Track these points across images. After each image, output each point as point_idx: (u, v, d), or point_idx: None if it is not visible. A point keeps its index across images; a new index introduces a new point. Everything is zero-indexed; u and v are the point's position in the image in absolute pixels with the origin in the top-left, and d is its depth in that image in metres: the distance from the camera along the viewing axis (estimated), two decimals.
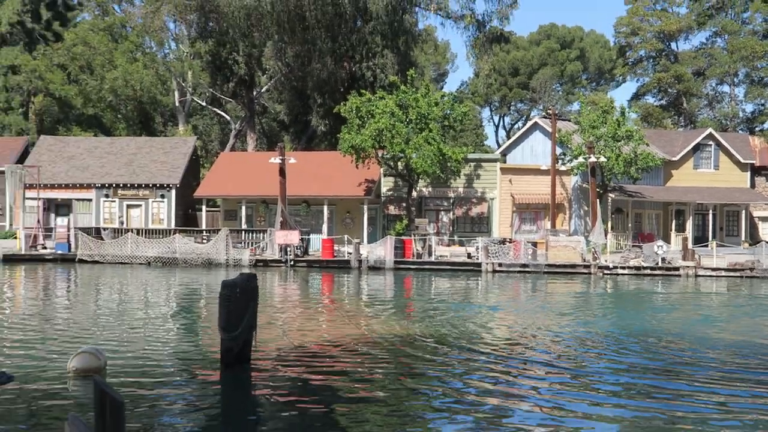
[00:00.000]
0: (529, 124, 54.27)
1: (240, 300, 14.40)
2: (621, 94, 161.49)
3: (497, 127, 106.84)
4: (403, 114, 43.74)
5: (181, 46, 73.07)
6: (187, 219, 52.57)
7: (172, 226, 49.63)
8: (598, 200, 43.37)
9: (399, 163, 45.02)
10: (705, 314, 24.78)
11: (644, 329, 20.34)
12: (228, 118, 77.46)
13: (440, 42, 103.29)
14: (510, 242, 40.59)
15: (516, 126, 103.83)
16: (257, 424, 11.20)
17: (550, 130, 49.84)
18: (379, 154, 45.07)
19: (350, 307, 25.72)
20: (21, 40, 78.99)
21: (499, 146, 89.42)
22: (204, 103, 77.96)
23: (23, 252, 44.55)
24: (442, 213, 48.61)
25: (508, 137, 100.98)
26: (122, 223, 50.68)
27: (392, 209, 48.36)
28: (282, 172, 43.28)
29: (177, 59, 72.89)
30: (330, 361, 15.41)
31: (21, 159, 53.59)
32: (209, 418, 11.29)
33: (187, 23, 62.01)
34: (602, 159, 42.98)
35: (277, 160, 43.34)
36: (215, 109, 77.50)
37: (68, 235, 44.87)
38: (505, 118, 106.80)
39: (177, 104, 74.89)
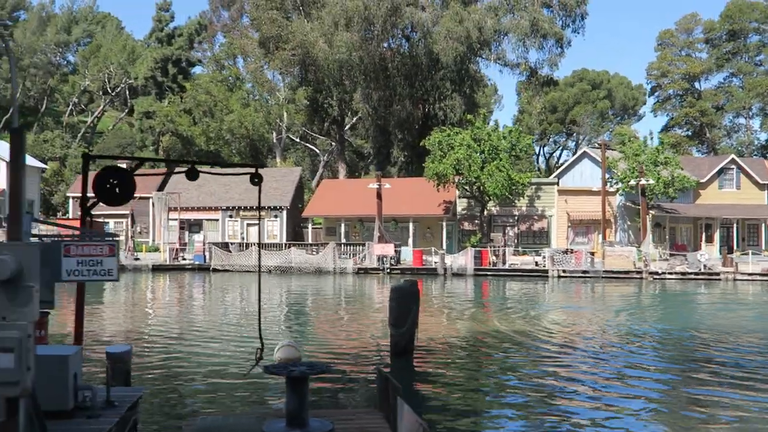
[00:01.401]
0: (579, 153, 53.94)
1: (405, 302, 14.64)
2: (642, 127, 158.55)
3: (537, 155, 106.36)
4: (478, 146, 43.84)
5: (277, 93, 74.24)
6: (295, 235, 53.21)
7: (284, 240, 50.24)
8: (647, 216, 42.87)
9: (474, 187, 45.01)
10: (757, 312, 24.36)
11: (709, 325, 20.07)
12: (317, 151, 78.36)
13: (488, 85, 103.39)
14: (571, 252, 40.29)
15: (554, 154, 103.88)
16: (420, 399, 11.50)
17: (597, 158, 49.57)
18: (456, 180, 45.15)
19: (462, 307, 25.82)
20: (153, 91, 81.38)
21: (540, 171, 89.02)
22: (297, 139, 79.01)
23: (168, 263, 45.60)
24: (508, 228, 48.46)
25: (547, 164, 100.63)
26: (243, 238, 51.51)
27: (466, 225, 48.40)
28: (379, 195, 43.64)
29: (275, 104, 74.09)
30: (471, 350, 15.64)
31: (161, 187, 54.82)
32: None
33: (291, 75, 62.74)
34: (651, 182, 42.46)
35: (375, 186, 43.74)
36: (306, 144, 78.48)
37: (204, 248, 45.83)
38: (545, 148, 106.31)
39: (275, 141, 76.01)
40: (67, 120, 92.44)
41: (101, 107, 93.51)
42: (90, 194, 8.52)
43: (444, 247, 46.98)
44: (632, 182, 43.29)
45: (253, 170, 8.41)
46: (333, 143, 73.31)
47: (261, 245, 45.84)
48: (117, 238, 7.22)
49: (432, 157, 44.87)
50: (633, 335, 18.05)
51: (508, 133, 45.07)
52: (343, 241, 48.55)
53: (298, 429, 6.66)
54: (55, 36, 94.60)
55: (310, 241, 50.03)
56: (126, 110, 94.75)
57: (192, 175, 8.39)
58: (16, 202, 5.44)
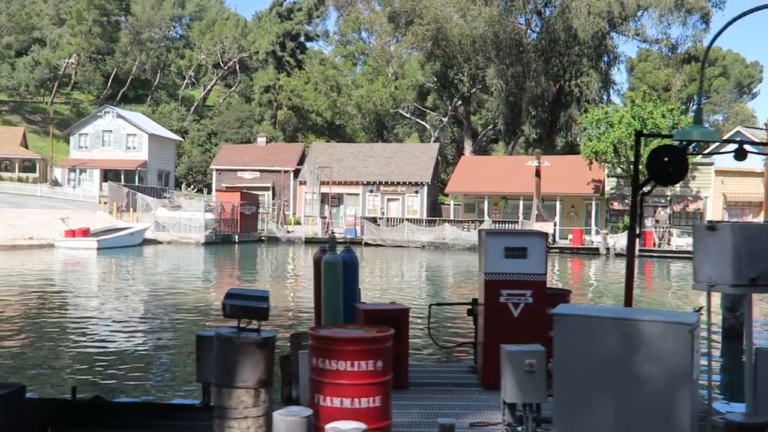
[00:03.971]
0: (732, 132, 52.18)
1: None
2: (757, 105, 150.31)
3: None
4: (638, 124, 42.83)
5: (388, 68, 73.90)
6: (434, 211, 53.29)
7: (424, 216, 50.38)
8: None
9: (631, 166, 44.03)
10: None
11: None
12: (427, 126, 78.00)
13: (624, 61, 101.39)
14: None
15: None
16: None
17: (751, 137, 48.00)
18: (613, 159, 44.30)
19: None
20: (271, 65, 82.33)
21: None
22: (408, 115, 78.81)
23: (320, 236, 46.26)
24: (660, 209, 47.44)
25: None
26: (383, 213, 51.80)
27: (616, 205, 47.59)
28: (538, 173, 43.23)
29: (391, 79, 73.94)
30: None
31: (300, 161, 55.63)
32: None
33: (423, 50, 62.13)
34: None
35: (534, 164, 43.35)
36: (416, 119, 78.09)
37: (355, 222, 46.37)
38: None
39: None
40: (183, 93, 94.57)
41: (214, 81, 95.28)
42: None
43: (593, 226, 46.39)
44: None
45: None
46: (443, 119, 72.97)
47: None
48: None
49: (588, 135, 44.18)
50: None
51: (668, 111, 43.93)
52: (486, 218, 48.35)
53: None
54: (171, 10, 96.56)
55: (452, 218, 50.06)
56: (236, 84, 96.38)
57: (740, 156, 8.30)
58: None
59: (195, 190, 72.71)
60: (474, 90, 64.63)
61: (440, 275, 29.83)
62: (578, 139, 66.11)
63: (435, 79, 64.45)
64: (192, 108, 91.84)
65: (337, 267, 8.24)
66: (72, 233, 36.33)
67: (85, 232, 36.44)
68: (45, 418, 6.07)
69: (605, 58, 58.74)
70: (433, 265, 34.11)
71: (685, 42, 58.14)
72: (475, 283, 27.02)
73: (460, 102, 65.47)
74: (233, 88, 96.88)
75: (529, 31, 60.35)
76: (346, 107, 67.29)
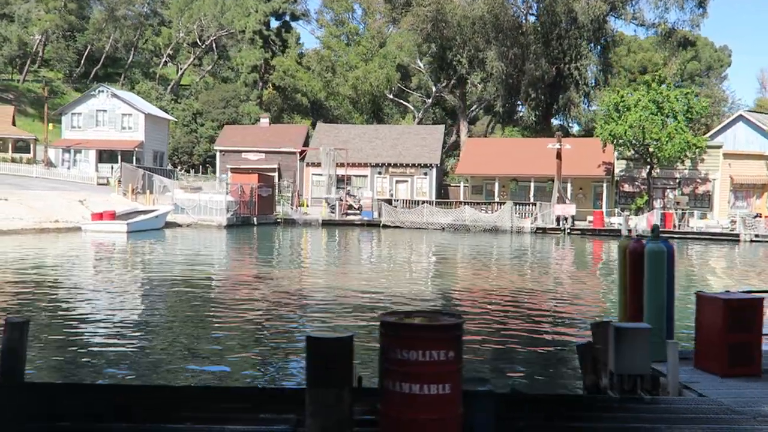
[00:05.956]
0: (734, 115, 53.47)
1: None
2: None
3: None
4: (655, 107, 43.52)
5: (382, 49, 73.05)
6: (440, 193, 53.43)
7: (433, 198, 50.45)
8: None
9: (644, 149, 44.74)
10: None
11: None
12: (410, 108, 77.83)
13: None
14: (759, 216, 40.35)
15: None
16: None
17: (753, 121, 49.34)
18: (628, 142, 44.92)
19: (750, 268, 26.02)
20: (258, 45, 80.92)
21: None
22: (391, 96, 78.49)
23: (336, 218, 46.04)
24: (668, 191, 48.41)
25: None
26: (392, 195, 51.73)
27: (626, 187, 48.39)
28: (559, 155, 43.62)
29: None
30: None
31: (305, 142, 55.07)
32: None
33: (423, 32, 61.60)
34: None
35: (556, 146, 43.73)
36: (400, 100, 77.77)
37: (372, 204, 46.21)
38: None
39: None
40: (161, 72, 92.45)
41: (191, 59, 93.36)
42: None
43: (605, 208, 47.13)
44: None
45: None
46: (426, 101, 73.02)
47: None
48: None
49: (605, 118, 44.74)
50: None
51: (683, 96, 44.73)
52: (497, 199, 48.69)
53: None
54: None
55: (462, 199, 50.27)
56: (213, 63, 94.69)
57: None
58: None
59: (182, 170, 71.39)
60: (471, 72, 64.69)
61: (525, 258, 29.99)
62: (572, 123, 67.07)
63: (431, 60, 64.33)
64: (168, 87, 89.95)
65: (662, 257, 8.26)
66: (99, 216, 35.44)
67: (113, 215, 35.59)
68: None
69: (603, 42, 59.40)
70: (490, 248, 34.18)
71: (683, 26, 59.21)
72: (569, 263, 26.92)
73: (456, 84, 65.47)
74: (209, 67, 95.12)
75: (530, 13, 60.66)
76: (339, 88, 66.72)
